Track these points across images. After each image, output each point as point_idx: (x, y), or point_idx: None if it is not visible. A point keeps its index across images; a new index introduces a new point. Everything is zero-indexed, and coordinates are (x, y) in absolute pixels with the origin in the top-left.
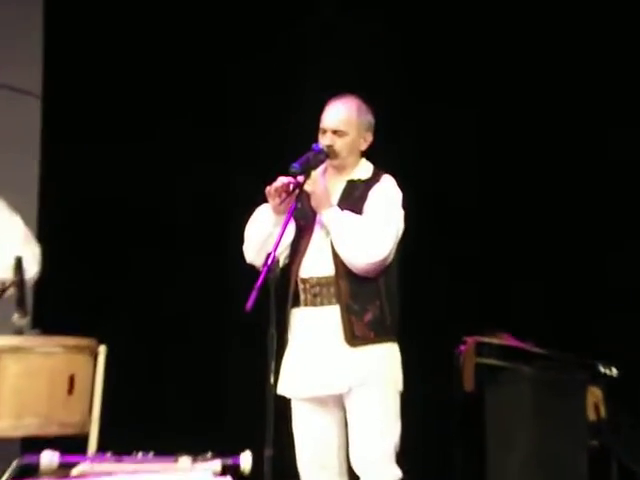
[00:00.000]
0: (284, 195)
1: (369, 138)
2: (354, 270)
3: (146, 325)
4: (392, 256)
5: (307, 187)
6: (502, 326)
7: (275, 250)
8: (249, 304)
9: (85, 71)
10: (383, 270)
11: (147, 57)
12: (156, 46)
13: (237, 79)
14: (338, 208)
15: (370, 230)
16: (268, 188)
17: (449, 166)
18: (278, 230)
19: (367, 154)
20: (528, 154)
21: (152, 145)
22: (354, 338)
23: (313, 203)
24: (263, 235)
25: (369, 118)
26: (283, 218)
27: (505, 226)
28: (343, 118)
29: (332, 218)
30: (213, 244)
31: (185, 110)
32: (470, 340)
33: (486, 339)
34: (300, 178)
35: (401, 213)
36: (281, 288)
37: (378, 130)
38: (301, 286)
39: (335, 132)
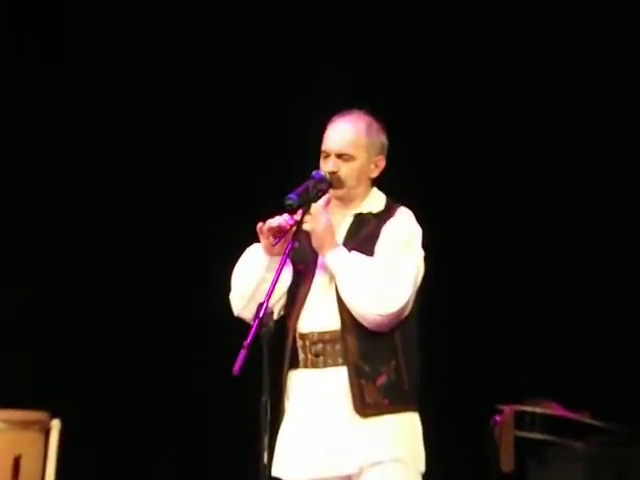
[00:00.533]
0: (279, 234)
1: (381, 163)
2: (364, 324)
3: (111, 394)
4: (410, 306)
5: (306, 226)
6: (547, 392)
7: (268, 299)
8: (237, 366)
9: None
10: (399, 323)
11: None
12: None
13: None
14: (344, 248)
15: (383, 275)
16: (260, 224)
17: (477, 198)
18: (272, 275)
19: (379, 182)
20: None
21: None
22: (365, 406)
23: (314, 242)
24: (254, 281)
25: (381, 139)
26: (278, 260)
27: (546, 270)
28: (349, 139)
29: (337, 260)
30: (190, 291)
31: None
32: (508, 409)
33: (528, 408)
34: (298, 213)
35: (421, 254)
36: (276, 346)
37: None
38: (300, 343)
39: (340, 156)
